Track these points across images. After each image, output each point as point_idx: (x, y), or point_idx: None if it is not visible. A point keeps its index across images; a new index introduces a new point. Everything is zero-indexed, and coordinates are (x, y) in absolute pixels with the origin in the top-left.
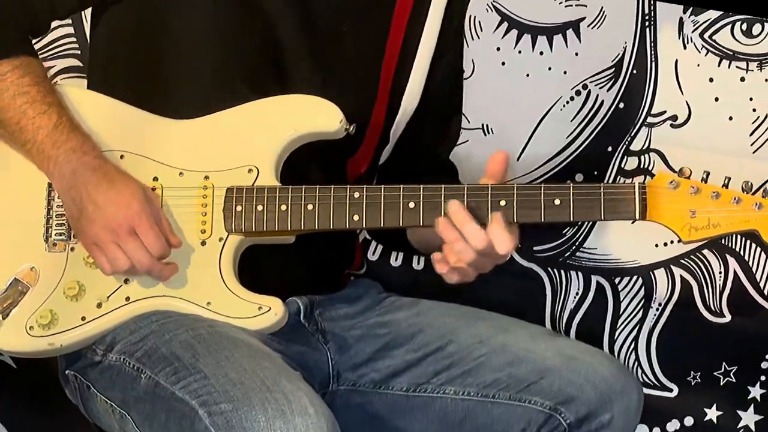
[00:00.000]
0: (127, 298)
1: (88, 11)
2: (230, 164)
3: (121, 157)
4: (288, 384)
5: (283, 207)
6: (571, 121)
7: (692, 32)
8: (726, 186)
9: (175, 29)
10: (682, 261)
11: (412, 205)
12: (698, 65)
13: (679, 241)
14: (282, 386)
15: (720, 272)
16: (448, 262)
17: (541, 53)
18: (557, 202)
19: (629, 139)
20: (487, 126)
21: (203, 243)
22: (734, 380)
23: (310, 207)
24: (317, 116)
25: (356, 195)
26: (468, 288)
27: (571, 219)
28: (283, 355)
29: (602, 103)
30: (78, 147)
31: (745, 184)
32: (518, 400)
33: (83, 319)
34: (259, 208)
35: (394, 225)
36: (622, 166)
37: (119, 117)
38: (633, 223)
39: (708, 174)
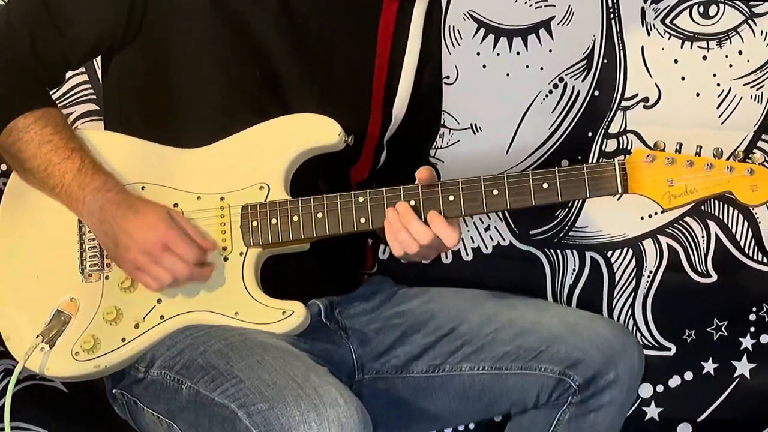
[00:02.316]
0: (162, 317)
1: (99, 59)
2: (243, 184)
3: (143, 188)
4: (317, 379)
5: (295, 218)
6: (552, 112)
7: (654, 19)
8: (698, 154)
9: (179, 67)
10: (667, 230)
11: (412, 203)
12: (663, 49)
13: (663, 212)
14: (312, 381)
15: (703, 237)
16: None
17: (518, 53)
18: (545, 185)
19: (607, 123)
20: (475, 125)
21: (225, 259)
22: (726, 334)
23: (319, 215)
24: (317, 131)
25: (360, 199)
26: (472, 276)
27: (560, 200)
28: (310, 353)
29: (578, 93)
30: (102, 186)
31: (716, 150)
32: (529, 368)
33: (123, 340)
34: (273, 221)
35: None
36: (603, 148)
37: (136, 152)
38: (618, 199)
39: (681, 145)
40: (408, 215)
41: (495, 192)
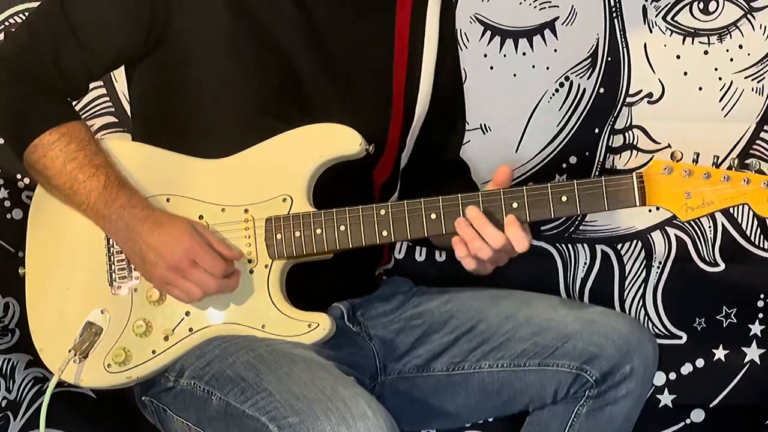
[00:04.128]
0: (190, 329)
1: (116, 71)
2: (266, 196)
3: (167, 200)
4: (345, 391)
5: (318, 231)
6: (559, 110)
7: (656, 17)
8: (716, 165)
9: (200, 75)
10: (675, 221)
11: (433, 216)
12: (665, 45)
13: (675, 219)
14: (340, 394)
15: (710, 227)
16: (467, 248)
17: (524, 54)
18: (564, 198)
19: (613, 119)
20: (485, 125)
21: (251, 271)
22: (735, 321)
23: (342, 228)
24: (339, 142)
25: (382, 212)
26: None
27: (579, 212)
28: (335, 361)
29: (584, 90)
30: (127, 203)
31: (732, 161)
32: (547, 365)
33: (153, 352)
34: (297, 234)
35: (420, 236)
36: (610, 144)
37: (162, 163)
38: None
39: (698, 155)
40: (481, 220)
41: (515, 205)
